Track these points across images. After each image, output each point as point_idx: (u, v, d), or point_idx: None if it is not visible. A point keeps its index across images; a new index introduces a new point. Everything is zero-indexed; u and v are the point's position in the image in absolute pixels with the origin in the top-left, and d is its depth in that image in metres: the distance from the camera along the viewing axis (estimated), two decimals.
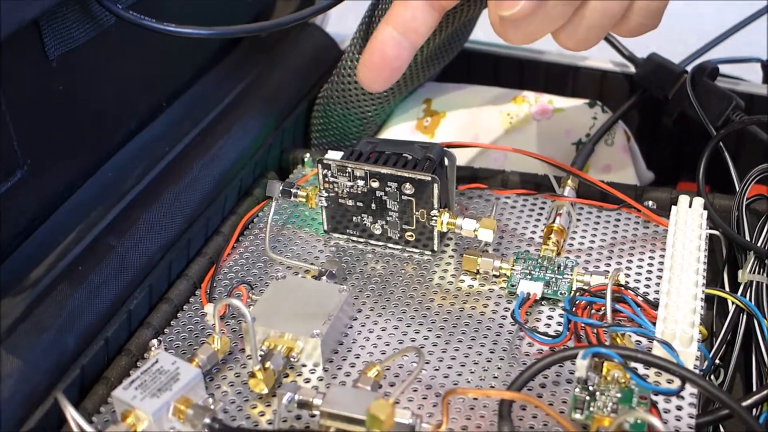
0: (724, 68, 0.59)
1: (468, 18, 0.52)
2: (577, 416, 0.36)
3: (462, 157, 0.53)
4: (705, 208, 0.47)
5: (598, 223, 0.49)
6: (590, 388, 0.37)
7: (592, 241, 0.47)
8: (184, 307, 0.44)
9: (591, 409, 0.36)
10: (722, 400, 0.37)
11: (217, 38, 0.46)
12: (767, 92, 0.56)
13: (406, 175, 0.44)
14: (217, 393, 0.39)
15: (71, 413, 0.35)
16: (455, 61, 0.58)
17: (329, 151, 0.46)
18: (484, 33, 0.58)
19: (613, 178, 0.54)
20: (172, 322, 0.43)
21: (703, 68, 0.53)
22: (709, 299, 0.46)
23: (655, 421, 0.34)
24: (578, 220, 0.49)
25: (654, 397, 0.37)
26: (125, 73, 0.49)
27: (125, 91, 0.49)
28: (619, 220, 0.49)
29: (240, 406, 0.39)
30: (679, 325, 0.40)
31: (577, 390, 0.37)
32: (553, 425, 0.37)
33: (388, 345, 0.41)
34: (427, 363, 0.40)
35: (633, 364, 0.38)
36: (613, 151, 0.55)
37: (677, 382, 0.37)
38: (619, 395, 0.37)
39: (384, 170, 0.44)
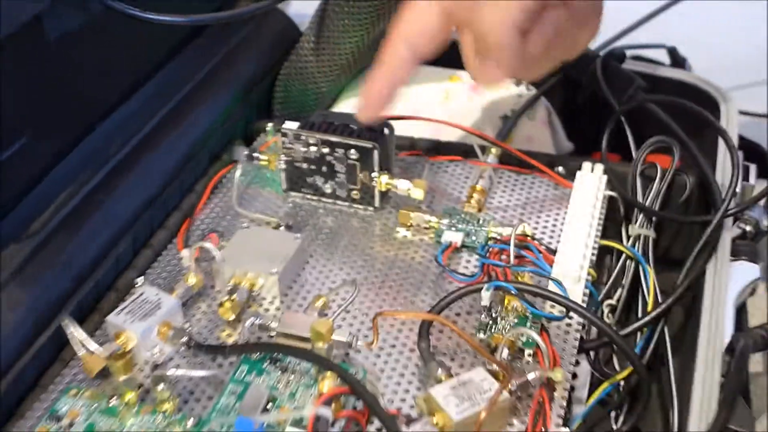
0: (645, 53, 0.68)
1: None
2: (481, 336, 0.45)
3: (403, 128, 0.61)
4: (605, 173, 0.56)
5: (515, 185, 0.57)
6: (493, 315, 0.46)
7: (509, 201, 0.56)
8: (163, 252, 0.52)
9: (492, 331, 0.45)
10: (600, 327, 0.46)
11: (191, 25, 0.54)
12: (670, 75, 0.65)
13: (351, 142, 0.52)
14: (192, 320, 0.47)
15: (77, 331, 0.43)
16: None
17: (287, 122, 0.54)
18: None
19: (534, 147, 0.62)
20: (153, 265, 0.51)
21: (612, 53, 0.62)
22: (609, 250, 0.55)
23: (539, 339, 0.43)
24: (499, 182, 0.57)
25: (546, 324, 0.46)
26: (110, 55, 0.56)
27: (109, 70, 0.57)
28: (533, 183, 0.57)
29: (211, 330, 0.47)
30: (570, 266, 0.49)
31: (483, 316, 0.46)
32: (462, 344, 0.45)
33: (333, 283, 0.50)
34: (364, 297, 0.49)
35: (534, 299, 0.47)
36: (534, 125, 0.63)
37: (563, 311, 0.46)
38: (516, 321, 0.46)
39: (333, 138, 0.53)
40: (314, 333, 0.42)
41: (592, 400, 0.48)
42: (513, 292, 0.45)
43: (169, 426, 0.41)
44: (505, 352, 0.43)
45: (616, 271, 0.53)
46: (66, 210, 0.50)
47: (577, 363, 0.52)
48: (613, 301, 0.54)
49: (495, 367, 0.42)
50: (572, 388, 0.51)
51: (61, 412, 0.42)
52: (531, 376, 0.42)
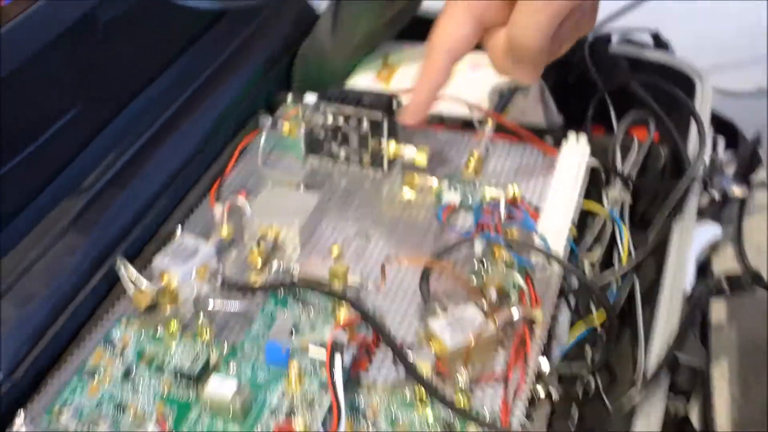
0: (633, 37, 0.75)
1: None
2: (474, 280, 0.52)
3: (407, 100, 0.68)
4: (589, 144, 0.63)
5: (509, 154, 0.64)
6: (484, 264, 0.53)
7: (503, 167, 0.63)
8: (197, 208, 0.60)
9: (483, 277, 0.52)
10: (576, 274, 0.53)
11: (215, 9, 0.61)
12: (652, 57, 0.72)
13: (363, 114, 0.59)
14: (225, 264, 0.55)
15: (129, 271, 0.51)
16: (412, 25, 0.74)
17: (308, 94, 0.61)
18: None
19: (527, 120, 0.69)
20: (189, 217, 0.59)
21: (599, 37, 0.69)
22: (593, 214, 0.62)
23: (522, 282, 0.50)
24: (494, 151, 0.64)
25: (531, 272, 0.54)
26: (149, 35, 0.63)
27: (148, 48, 0.64)
28: (525, 152, 0.64)
29: (241, 274, 0.54)
30: (553, 224, 0.56)
31: (476, 265, 0.53)
32: (458, 288, 0.52)
33: (347, 236, 0.57)
34: (373, 248, 0.56)
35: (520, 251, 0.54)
36: (528, 101, 0.70)
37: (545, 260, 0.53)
38: (504, 269, 0.53)
39: (347, 110, 0.60)
40: (332, 274, 0.50)
41: (571, 340, 0.55)
42: (502, 243, 0.52)
43: (208, 349, 0.48)
44: (494, 294, 0.50)
45: (596, 231, 0.60)
46: (114, 169, 0.58)
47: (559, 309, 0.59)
48: (593, 258, 0.61)
49: (485, 306, 0.50)
50: (552, 332, 0.59)
51: (114, 339, 0.50)
52: (515, 314, 0.50)
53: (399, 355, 0.44)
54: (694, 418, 0.55)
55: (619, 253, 0.59)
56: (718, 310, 0.61)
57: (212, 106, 0.65)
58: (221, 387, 0.44)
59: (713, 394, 0.56)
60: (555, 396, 0.49)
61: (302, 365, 0.46)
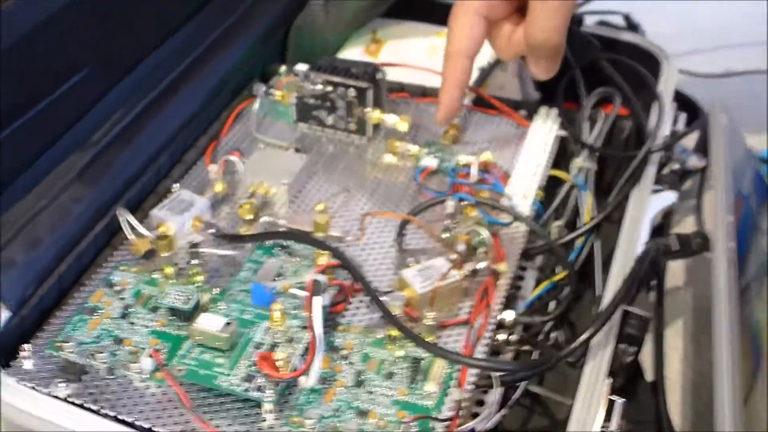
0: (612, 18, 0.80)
1: None
2: (446, 235, 0.57)
3: (395, 74, 0.73)
4: (559, 117, 0.68)
5: (485, 124, 0.69)
6: (456, 220, 0.58)
7: (479, 136, 0.68)
8: (194, 166, 0.64)
9: (453, 232, 0.57)
10: (538, 232, 0.58)
11: None
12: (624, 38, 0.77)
13: (350, 83, 0.64)
14: (218, 219, 0.60)
15: (130, 218, 0.56)
16: (400, 2, 0.78)
17: (299, 64, 0.66)
18: None
19: (504, 94, 0.73)
20: (185, 175, 0.64)
21: (572, 18, 0.73)
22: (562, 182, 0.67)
23: (486, 234, 0.55)
24: (472, 121, 0.69)
25: (499, 231, 0.58)
26: (155, 3, 0.68)
27: (154, 16, 0.68)
28: (500, 123, 0.69)
29: (233, 226, 0.59)
30: (521, 187, 0.61)
31: (447, 221, 0.58)
32: (432, 243, 0.57)
33: (333, 194, 0.62)
34: (355, 206, 0.61)
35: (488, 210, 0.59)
36: (506, 75, 0.75)
37: (510, 218, 0.58)
38: (474, 226, 0.58)
39: (335, 79, 0.64)
40: (315, 225, 0.55)
41: (534, 294, 0.60)
42: (472, 202, 0.57)
43: (199, 292, 0.53)
44: (461, 247, 0.55)
45: (560, 194, 0.65)
46: (120, 127, 0.62)
47: (525, 269, 0.64)
48: (561, 222, 0.66)
49: (454, 258, 0.55)
50: (519, 287, 0.64)
51: (114, 281, 0.54)
52: (480, 265, 0.54)
53: (373, 296, 0.49)
54: (647, 367, 0.60)
55: (581, 217, 0.64)
56: (677, 273, 0.66)
57: (211, 73, 0.69)
58: (210, 323, 0.49)
59: (664, 346, 0.61)
60: (514, 339, 0.54)
61: (285, 306, 0.51)
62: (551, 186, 0.66)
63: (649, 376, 0.59)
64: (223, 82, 0.70)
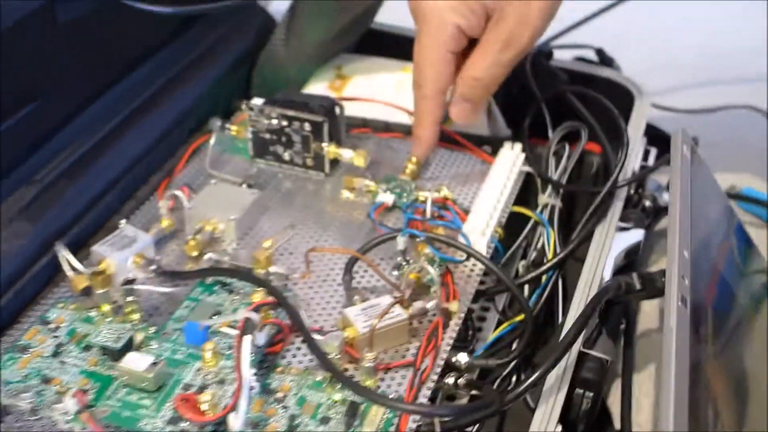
0: (583, 53, 0.78)
1: (373, 1, 0.71)
2: (395, 273, 0.55)
3: (360, 109, 0.71)
4: (524, 152, 0.66)
5: (448, 160, 0.67)
6: (407, 258, 0.56)
7: (441, 172, 0.66)
8: (146, 203, 0.63)
9: (403, 269, 0.55)
10: (494, 271, 0.56)
11: (173, 15, 0.64)
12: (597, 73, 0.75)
13: (305, 116, 0.62)
14: (164, 255, 0.58)
15: (67, 254, 0.54)
16: (366, 38, 0.77)
17: (254, 98, 0.64)
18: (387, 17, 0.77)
19: (470, 130, 0.71)
20: (136, 211, 0.62)
21: (541, 51, 0.72)
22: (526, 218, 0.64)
23: (432, 271, 0.52)
24: (434, 157, 0.67)
25: (453, 268, 0.56)
26: (112, 38, 0.67)
27: (111, 51, 0.67)
28: (464, 159, 0.67)
29: (179, 264, 0.57)
30: (478, 224, 0.59)
31: (399, 258, 0.56)
32: (378, 279, 0.55)
33: (282, 230, 0.60)
34: (307, 243, 0.59)
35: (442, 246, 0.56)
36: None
37: (464, 256, 0.56)
38: (426, 263, 0.55)
39: (290, 113, 0.63)
40: (254, 260, 0.52)
41: (492, 336, 0.57)
42: (422, 238, 0.55)
43: (134, 330, 0.51)
44: (410, 286, 0.53)
45: (525, 232, 0.63)
46: (68, 162, 0.61)
47: (488, 309, 0.62)
48: (527, 261, 0.64)
49: (402, 297, 0.52)
50: (480, 329, 0.62)
51: (50, 319, 0.52)
52: (430, 304, 0.52)
53: (306, 335, 0.47)
54: (615, 413, 0.57)
55: (545, 255, 0.61)
56: (651, 315, 0.63)
57: (170, 109, 0.68)
58: (137, 362, 0.47)
59: (634, 393, 0.58)
60: (462, 383, 0.51)
61: (220, 346, 0.49)
62: (521, 223, 0.64)
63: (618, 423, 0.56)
64: (180, 118, 0.68)
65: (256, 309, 0.48)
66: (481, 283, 0.64)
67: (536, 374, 0.46)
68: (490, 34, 0.58)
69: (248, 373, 0.44)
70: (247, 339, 0.45)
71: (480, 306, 0.64)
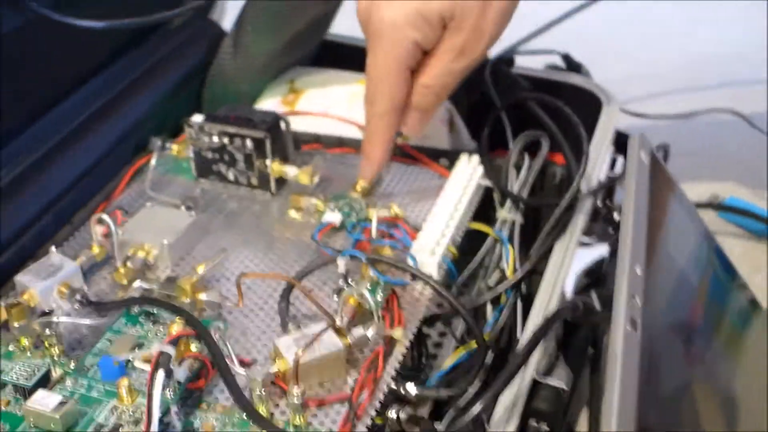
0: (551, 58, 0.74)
1: (323, 11, 0.68)
2: (335, 298, 0.51)
3: (313, 124, 0.68)
4: (483, 165, 0.62)
5: (402, 175, 0.63)
6: (349, 281, 0.52)
7: (394, 188, 0.62)
8: (81, 228, 0.59)
9: (344, 293, 0.51)
10: (442, 294, 0.52)
11: (109, 29, 0.61)
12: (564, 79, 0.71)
13: (246, 133, 0.59)
14: (93, 284, 0.54)
15: None
16: (323, 50, 0.74)
17: (194, 115, 0.61)
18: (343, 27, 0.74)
19: (429, 143, 0.68)
20: (69, 238, 0.58)
21: (501, 58, 0.68)
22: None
23: (369, 297, 0.48)
24: (388, 173, 0.63)
25: (400, 291, 0.52)
26: (49, 55, 0.64)
27: (49, 68, 0.64)
28: (419, 174, 0.64)
29: (109, 293, 0.54)
30: (428, 243, 0.55)
31: (340, 281, 0.52)
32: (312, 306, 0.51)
33: (228, 258, 0.56)
34: (246, 267, 0.55)
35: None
36: (432, 123, 0.69)
37: (409, 278, 0.52)
38: (369, 286, 0.52)
39: (231, 129, 0.59)
40: (178, 288, 0.49)
41: (447, 364, 0.54)
42: (363, 260, 0.51)
43: (54, 365, 0.47)
44: (348, 312, 0.49)
45: (482, 250, 0.59)
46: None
47: (445, 335, 0.58)
48: (490, 282, 0.60)
49: (341, 324, 0.48)
50: (436, 356, 0.58)
51: None
52: (369, 332, 0.48)
53: (220, 368, 0.43)
54: None
55: (505, 275, 0.57)
56: None
57: (110, 129, 0.65)
58: (43, 401, 0.43)
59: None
60: (404, 418, 0.47)
61: (138, 381, 0.45)
62: (483, 241, 0.60)
63: None
64: (122, 139, 0.65)
65: (174, 341, 0.44)
66: (439, 305, 0.61)
67: (477, 406, 0.42)
68: (444, 43, 0.54)
69: (158, 411, 0.40)
70: (160, 374, 0.42)
71: (438, 331, 0.61)
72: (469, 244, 0.63)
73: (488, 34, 0.54)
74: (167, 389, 0.44)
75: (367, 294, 0.48)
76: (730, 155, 0.80)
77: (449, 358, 0.54)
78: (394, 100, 0.56)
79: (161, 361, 0.42)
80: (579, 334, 0.56)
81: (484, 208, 0.62)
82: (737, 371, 0.59)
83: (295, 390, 0.44)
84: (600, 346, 0.57)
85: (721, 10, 1.06)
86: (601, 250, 0.57)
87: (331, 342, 0.47)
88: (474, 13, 0.53)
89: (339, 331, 0.48)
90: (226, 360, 0.44)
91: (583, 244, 0.57)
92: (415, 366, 0.55)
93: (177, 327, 0.46)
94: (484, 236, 0.60)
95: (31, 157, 0.60)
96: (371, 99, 0.57)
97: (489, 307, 0.57)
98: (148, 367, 0.44)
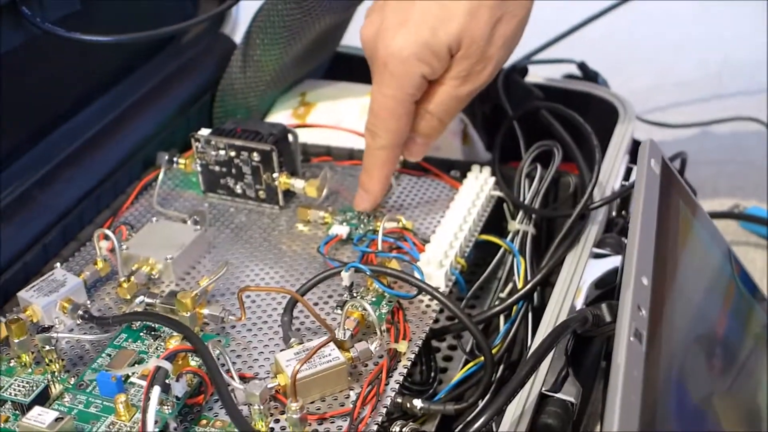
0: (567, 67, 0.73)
1: (333, 24, 0.67)
2: (338, 311, 0.50)
3: (324, 137, 0.67)
4: (494, 175, 0.61)
5: (413, 187, 0.62)
6: (354, 294, 0.51)
7: (404, 200, 0.61)
8: (87, 244, 0.59)
9: (348, 307, 0.50)
10: (449, 308, 0.50)
11: (116, 44, 0.61)
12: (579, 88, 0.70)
13: (252, 146, 0.58)
14: (97, 300, 0.54)
15: None
16: (333, 63, 0.73)
17: (201, 129, 0.61)
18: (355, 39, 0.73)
19: (441, 155, 0.67)
20: (75, 254, 0.58)
21: (514, 68, 0.67)
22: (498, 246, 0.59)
23: (370, 309, 0.47)
24: (399, 185, 0.62)
25: (407, 304, 0.51)
26: (57, 71, 0.64)
27: (58, 84, 0.64)
28: (430, 185, 0.62)
29: (112, 308, 0.53)
30: (436, 255, 0.53)
31: (345, 295, 0.51)
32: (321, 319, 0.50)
33: (234, 271, 0.55)
34: (251, 281, 0.54)
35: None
36: (443, 135, 0.68)
37: (415, 291, 0.51)
38: (373, 299, 0.51)
39: (237, 142, 0.59)
40: (178, 303, 0.48)
41: (456, 377, 0.52)
42: (368, 273, 0.50)
43: (54, 381, 0.47)
44: (351, 326, 0.48)
45: (493, 262, 0.58)
46: (3, 202, 0.57)
47: (455, 348, 0.57)
48: (503, 294, 0.59)
49: (342, 337, 0.47)
50: (446, 370, 0.56)
51: None
52: (373, 345, 0.47)
53: (216, 383, 0.42)
54: None
55: (515, 286, 0.56)
56: None
57: (118, 143, 0.64)
58: (39, 417, 0.42)
59: None
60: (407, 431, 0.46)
61: (136, 397, 0.45)
62: (494, 253, 0.59)
63: None
64: (131, 154, 0.65)
65: (170, 356, 0.43)
66: (449, 319, 0.59)
67: (479, 421, 0.41)
68: (450, 71, 0.53)
69: (152, 426, 0.40)
70: (156, 390, 0.41)
71: (448, 345, 0.59)
72: (481, 256, 0.62)
73: (494, 59, 0.53)
74: (165, 405, 0.43)
75: (368, 307, 0.47)
76: (753, 164, 0.78)
77: (458, 372, 0.53)
78: (397, 134, 0.55)
79: (157, 376, 0.42)
80: (591, 347, 0.54)
81: (497, 219, 0.61)
82: (760, 384, 0.57)
83: (294, 405, 0.43)
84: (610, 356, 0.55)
85: (742, 18, 1.03)
86: (615, 261, 0.55)
87: (333, 356, 0.46)
88: (481, 41, 0.52)
89: (341, 345, 0.47)
90: (225, 375, 0.43)
91: (597, 256, 0.55)
92: (424, 380, 0.53)
93: (175, 341, 0.45)
94: (497, 248, 0.59)
95: (39, 173, 0.60)
96: (373, 131, 0.55)
97: (501, 320, 0.56)
98: (145, 383, 0.43)
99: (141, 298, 0.52)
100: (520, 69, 0.67)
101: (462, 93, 0.54)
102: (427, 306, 0.52)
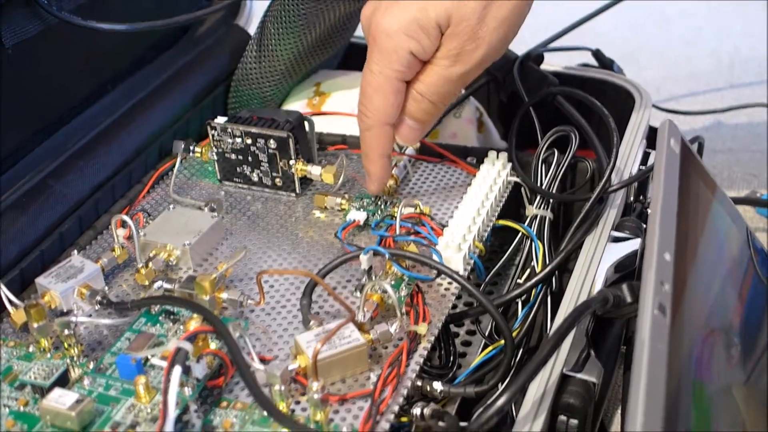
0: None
1: (347, 13, 0.67)
2: (357, 294, 0.50)
3: (339, 126, 0.67)
4: (511, 161, 0.61)
5: (430, 174, 0.62)
6: (373, 277, 0.51)
7: (422, 186, 0.61)
8: (104, 232, 0.59)
9: (366, 290, 0.49)
10: (469, 290, 0.50)
11: (132, 32, 0.61)
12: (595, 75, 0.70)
13: (269, 133, 0.58)
14: (115, 286, 0.54)
15: (4, 289, 0.50)
16: (348, 53, 0.73)
17: (218, 117, 0.61)
18: None
19: (458, 142, 0.67)
20: (92, 242, 0.58)
21: (529, 55, 0.67)
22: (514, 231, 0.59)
23: (390, 290, 0.47)
24: (415, 171, 0.62)
25: (425, 287, 0.51)
26: (72, 60, 0.64)
27: (73, 74, 0.64)
28: (447, 172, 0.62)
29: (130, 294, 0.53)
30: (454, 239, 0.53)
31: (364, 279, 0.51)
32: (335, 303, 0.50)
33: (249, 258, 0.55)
34: (270, 266, 0.54)
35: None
36: (459, 122, 0.68)
37: (434, 274, 0.51)
38: (392, 282, 0.50)
39: (254, 130, 0.59)
40: (197, 286, 0.48)
41: (476, 361, 0.52)
42: (387, 255, 0.50)
43: (73, 366, 0.47)
44: (370, 308, 0.48)
45: (512, 247, 0.58)
46: (20, 192, 0.57)
47: (474, 333, 0.57)
48: (521, 279, 0.58)
49: (362, 319, 0.47)
50: (465, 354, 0.56)
51: None
52: (393, 327, 0.47)
53: (238, 364, 0.42)
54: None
55: (535, 270, 0.56)
56: None
57: (133, 132, 0.64)
58: (60, 399, 0.42)
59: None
60: (428, 414, 0.45)
61: (156, 380, 0.44)
62: (512, 238, 0.59)
63: None
64: (146, 143, 0.65)
65: (190, 338, 0.43)
66: (468, 304, 0.59)
67: (501, 401, 0.40)
68: (440, 50, 0.52)
69: (173, 407, 0.39)
70: (177, 370, 0.41)
71: (467, 329, 0.59)
72: (498, 244, 0.62)
73: (486, 41, 0.51)
74: (185, 386, 0.43)
75: (389, 289, 0.47)
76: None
77: (478, 356, 0.53)
78: (384, 113, 0.53)
79: (177, 357, 0.41)
80: (611, 330, 0.54)
81: (515, 205, 0.61)
82: None
83: (315, 385, 0.42)
84: (633, 342, 0.55)
85: (754, 12, 1.03)
86: (634, 244, 0.55)
87: (353, 337, 0.45)
88: (471, 19, 0.51)
89: (361, 327, 0.47)
90: (246, 356, 0.43)
91: (616, 239, 0.55)
92: (443, 364, 0.53)
93: (195, 323, 0.45)
94: (514, 235, 0.59)
95: (54, 163, 0.60)
96: (363, 112, 0.54)
97: (519, 306, 0.55)
98: (162, 364, 0.43)
99: (159, 283, 0.52)
100: (535, 56, 0.67)
101: (453, 74, 0.52)
102: (446, 290, 0.51)
